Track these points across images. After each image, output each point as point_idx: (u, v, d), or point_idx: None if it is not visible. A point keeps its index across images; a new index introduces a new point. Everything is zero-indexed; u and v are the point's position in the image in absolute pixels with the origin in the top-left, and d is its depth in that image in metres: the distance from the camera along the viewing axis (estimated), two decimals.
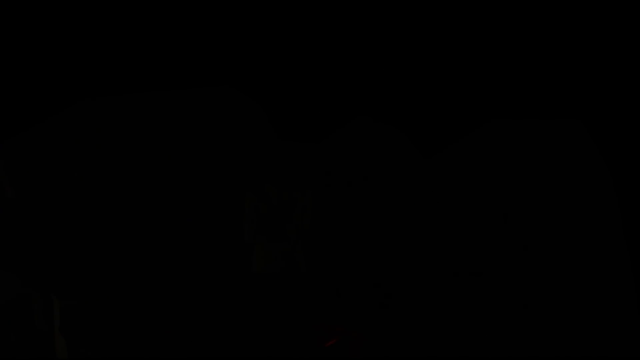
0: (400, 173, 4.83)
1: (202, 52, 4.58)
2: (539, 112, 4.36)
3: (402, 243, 4.79)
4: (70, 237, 4.73)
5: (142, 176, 4.90)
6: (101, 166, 4.89)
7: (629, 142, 4.28)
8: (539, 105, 4.39)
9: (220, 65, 4.64)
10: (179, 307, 4.68)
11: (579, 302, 3.64)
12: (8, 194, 4.69)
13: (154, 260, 4.75)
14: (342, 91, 4.72)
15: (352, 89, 4.70)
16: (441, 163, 4.64)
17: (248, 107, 4.85)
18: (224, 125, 4.94)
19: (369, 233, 4.80)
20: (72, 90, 4.63)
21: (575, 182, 4.31)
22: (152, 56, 4.56)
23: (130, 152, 4.94)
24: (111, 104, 4.83)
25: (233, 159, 4.97)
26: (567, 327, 3.20)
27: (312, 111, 4.77)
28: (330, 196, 4.76)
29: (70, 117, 4.80)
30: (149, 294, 4.74)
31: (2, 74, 4.51)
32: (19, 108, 4.64)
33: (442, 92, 4.61)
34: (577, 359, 3.15)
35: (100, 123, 4.91)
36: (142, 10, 4.41)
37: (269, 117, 4.82)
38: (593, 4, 4.19)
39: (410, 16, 4.47)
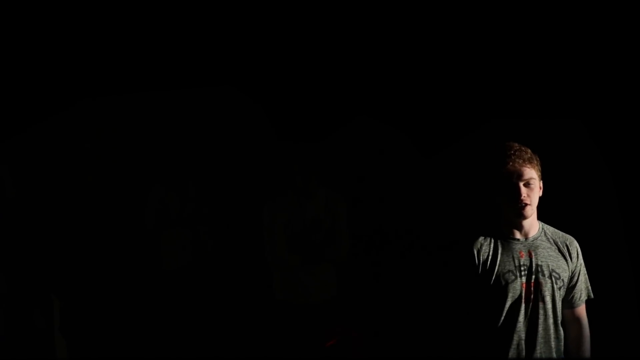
0: (400, 173, 4.83)
1: (202, 52, 4.58)
2: (539, 112, 4.36)
3: (402, 242, 4.79)
4: (70, 237, 4.73)
5: (142, 175, 4.91)
6: (101, 165, 4.90)
7: (628, 142, 4.28)
8: (539, 105, 4.39)
9: (220, 65, 4.64)
10: (179, 307, 4.68)
11: None
12: (9, 194, 4.68)
13: (153, 260, 4.75)
14: (342, 91, 4.72)
15: (352, 89, 4.70)
16: (441, 163, 4.64)
17: (248, 107, 4.85)
18: (224, 125, 4.95)
19: (368, 232, 4.80)
20: (72, 90, 4.63)
21: (575, 181, 4.31)
22: (152, 56, 4.56)
23: (130, 152, 4.94)
24: (111, 104, 4.83)
25: (233, 158, 4.97)
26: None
27: (312, 111, 4.77)
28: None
29: (70, 117, 4.81)
30: (149, 294, 4.75)
31: (3, 74, 4.51)
32: (20, 108, 4.64)
33: (442, 92, 4.61)
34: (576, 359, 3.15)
35: (100, 123, 4.91)
36: (142, 10, 4.41)
37: (269, 117, 4.82)
38: (593, 4, 4.19)
39: (410, 16, 4.47)
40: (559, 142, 4.25)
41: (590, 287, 3.16)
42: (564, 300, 3.09)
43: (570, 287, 3.10)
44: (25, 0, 4.33)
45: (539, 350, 2.99)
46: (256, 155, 4.95)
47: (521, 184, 2.98)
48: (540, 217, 3.14)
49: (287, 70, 4.68)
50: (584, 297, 3.14)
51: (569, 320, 3.13)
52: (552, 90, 4.39)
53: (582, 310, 3.14)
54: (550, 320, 3.01)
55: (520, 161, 2.99)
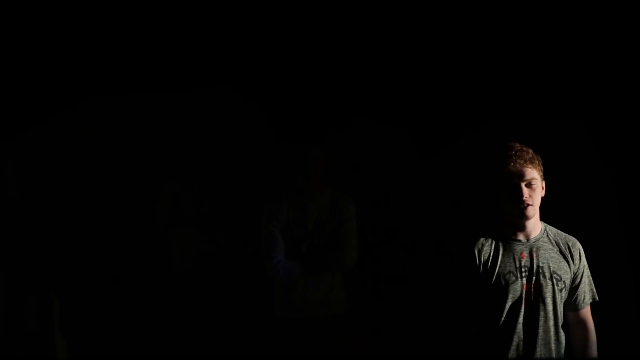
0: (400, 173, 4.83)
1: (202, 52, 4.58)
2: (539, 112, 4.36)
3: (401, 243, 4.79)
4: (70, 237, 4.73)
5: (142, 175, 4.91)
6: (102, 165, 4.90)
7: (628, 142, 4.28)
8: (539, 105, 4.40)
9: (220, 65, 4.64)
10: (179, 307, 4.69)
11: None
12: (12, 194, 4.68)
13: (153, 259, 4.75)
14: (342, 91, 4.72)
15: (352, 89, 4.70)
16: (441, 163, 4.64)
17: (248, 107, 4.85)
18: (224, 125, 4.95)
19: (368, 232, 4.80)
20: (72, 90, 4.63)
21: (575, 182, 4.31)
22: (152, 56, 4.56)
23: (130, 152, 4.94)
24: (111, 104, 4.83)
25: (232, 158, 4.97)
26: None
27: (312, 111, 4.77)
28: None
29: (70, 117, 4.80)
30: (149, 294, 4.75)
31: (3, 74, 4.51)
32: (20, 108, 4.64)
33: (442, 92, 4.61)
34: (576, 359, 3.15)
35: (100, 123, 4.91)
36: (142, 10, 4.41)
37: (268, 117, 4.81)
38: (593, 4, 4.19)
39: (410, 16, 4.47)
40: (559, 142, 4.25)
41: (594, 290, 3.14)
42: (567, 302, 3.08)
43: (573, 289, 3.08)
44: (25, 0, 4.33)
45: (539, 352, 2.98)
46: (256, 155, 4.95)
47: (523, 185, 2.97)
48: (539, 217, 3.14)
49: (286, 71, 4.68)
50: (588, 300, 3.12)
51: (574, 323, 3.11)
52: (552, 90, 4.39)
53: (586, 312, 3.12)
54: (551, 322, 3.00)
55: (522, 161, 2.98)
